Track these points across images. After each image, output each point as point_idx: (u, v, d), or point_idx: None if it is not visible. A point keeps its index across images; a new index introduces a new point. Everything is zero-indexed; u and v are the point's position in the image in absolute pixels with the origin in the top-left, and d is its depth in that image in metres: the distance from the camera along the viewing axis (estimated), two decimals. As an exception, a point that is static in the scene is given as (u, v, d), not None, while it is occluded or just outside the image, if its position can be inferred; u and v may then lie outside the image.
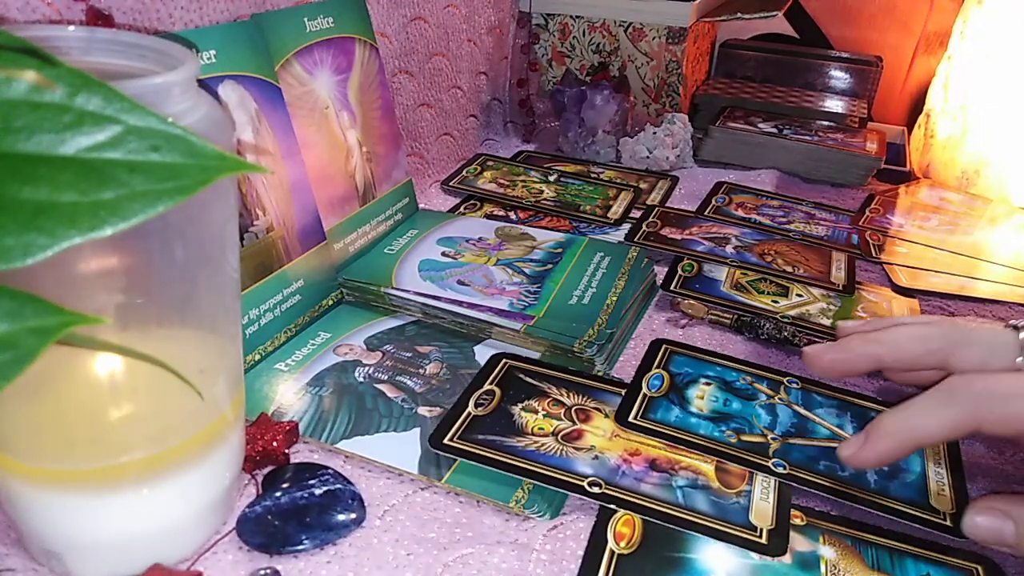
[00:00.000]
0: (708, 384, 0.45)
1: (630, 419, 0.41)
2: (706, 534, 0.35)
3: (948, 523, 0.36)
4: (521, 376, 0.45)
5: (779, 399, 0.44)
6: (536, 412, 0.42)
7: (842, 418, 0.43)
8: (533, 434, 0.40)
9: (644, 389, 0.44)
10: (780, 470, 0.38)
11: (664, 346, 0.48)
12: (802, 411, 0.43)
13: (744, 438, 0.40)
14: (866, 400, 0.45)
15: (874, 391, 0.47)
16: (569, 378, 0.45)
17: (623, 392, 0.44)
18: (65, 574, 0.31)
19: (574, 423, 0.41)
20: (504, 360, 0.46)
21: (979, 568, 0.35)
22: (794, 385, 0.45)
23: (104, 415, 0.29)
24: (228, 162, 0.19)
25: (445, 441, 0.39)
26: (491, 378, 0.44)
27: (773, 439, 0.41)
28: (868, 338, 0.37)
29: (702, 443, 0.40)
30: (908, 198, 0.77)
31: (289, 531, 0.33)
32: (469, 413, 0.41)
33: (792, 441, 0.41)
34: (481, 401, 0.42)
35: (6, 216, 0.17)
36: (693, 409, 0.42)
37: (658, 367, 0.46)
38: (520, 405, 0.42)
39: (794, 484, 0.38)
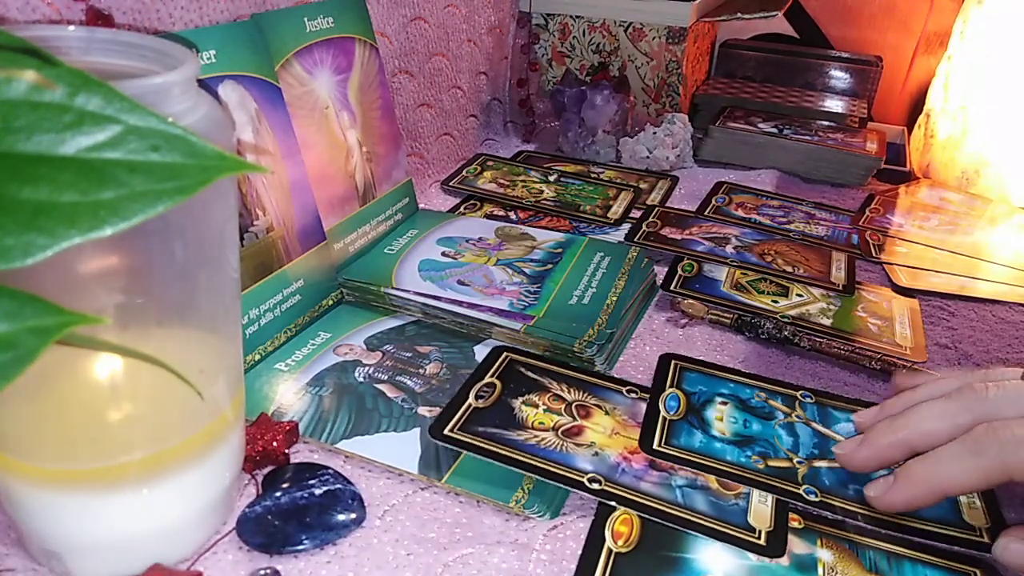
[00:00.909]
0: (724, 403, 0.44)
1: (655, 446, 0.40)
2: (705, 534, 0.35)
3: (985, 539, 0.36)
4: (522, 370, 0.45)
5: (796, 416, 0.43)
6: (537, 407, 0.42)
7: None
8: (533, 428, 0.40)
9: (663, 412, 0.42)
10: (812, 497, 0.37)
11: (674, 362, 0.47)
12: (821, 429, 0.42)
13: (771, 463, 0.39)
14: None
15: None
16: (570, 374, 0.45)
17: (623, 389, 0.44)
18: (65, 574, 0.31)
19: (574, 419, 0.41)
20: (505, 353, 0.46)
21: (977, 572, 0.34)
22: (808, 399, 0.45)
23: (104, 415, 0.29)
24: (228, 162, 0.19)
25: (445, 432, 0.39)
26: (492, 371, 0.44)
27: (799, 463, 0.40)
28: (894, 426, 0.36)
29: (731, 471, 0.39)
30: (908, 198, 0.77)
31: (289, 531, 0.33)
32: (469, 405, 0.41)
33: (817, 464, 0.40)
34: (482, 393, 0.42)
35: (6, 216, 0.17)
36: (715, 432, 0.41)
37: (671, 386, 0.45)
38: (521, 399, 0.42)
39: (828, 512, 0.37)
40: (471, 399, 0.42)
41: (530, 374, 0.44)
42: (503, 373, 0.44)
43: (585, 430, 0.41)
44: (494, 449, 0.38)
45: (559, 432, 0.40)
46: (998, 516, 0.37)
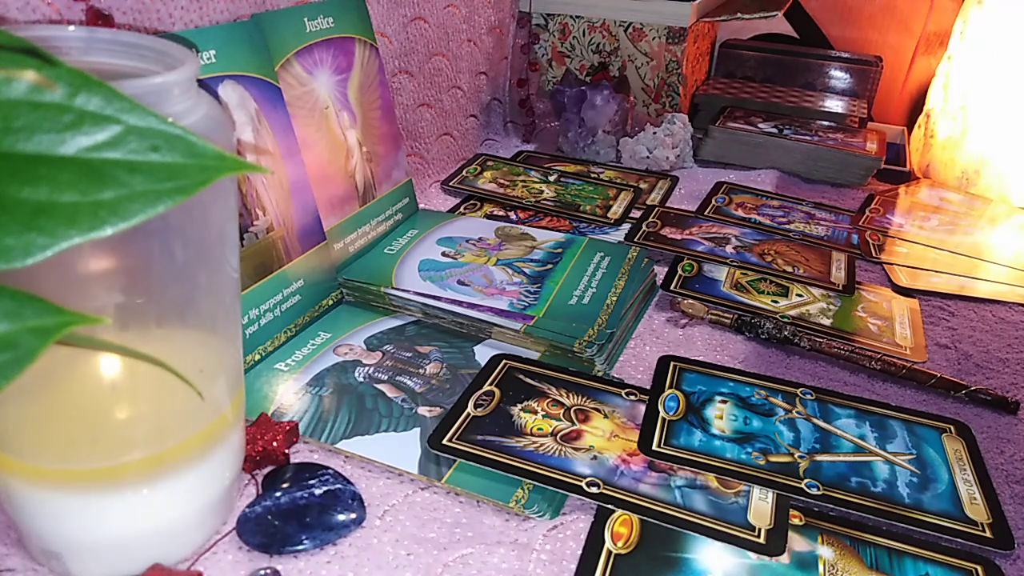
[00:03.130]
0: (724, 402, 0.44)
1: (654, 447, 0.40)
2: (704, 534, 0.35)
3: (988, 534, 0.36)
4: (521, 377, 0.45)
5: (797, 412, 0.43)
6: (535, 413, 0.42)
7: (862, 428, 0.42)
8: (532, 434, 0.40)
9: (662, 412, 0.42)
10: (815, 491, 0.37)
11: (672, 363, 0.47)
12: (822, 424, 0.42)
13: (772, 459, 0.39)
14: (883, 407, 0.44)
15: (890, 398, 0.47)
16: (569, 378, 0.45)
17: (622, 392, 0.44)
18: (65, 574, 0.31)
19: (573, 423, 0.41)
20: (504, 361, 0.46)
21: (978, 568, 0.35)
22: (808, 396, 0.45)
23: (104, 415, 0.29)
24: (228, 162, 0.19)
25: (444, 442, 0.39)
26: (491, 379, 0.44)
27: (800, 457, 0.40)
28: None
29: (732, 468, 0.39)
30: (908, 198, 0.77)
31: (289, 531, 0.33)
32: (468, 414, 0.41)
33: (819, 458, 0.40)
34: (480, 402, 0.42)
35: (6, 216, 0.17)
36: (715, 431, 0.41)
37: (670, 387, 0.45)
38: (519, 406, 0.42)
39: (831, 505, 0.37)
40: (470, 408, 0.42)
41: (529, 380, 0.44)
42: (502, 381, 0.44)
43: (584, 434, 0.40)
44: (492, 457, 0.38)
45: (558, 437, 0.40)
46: (999, 511, 0.37)
